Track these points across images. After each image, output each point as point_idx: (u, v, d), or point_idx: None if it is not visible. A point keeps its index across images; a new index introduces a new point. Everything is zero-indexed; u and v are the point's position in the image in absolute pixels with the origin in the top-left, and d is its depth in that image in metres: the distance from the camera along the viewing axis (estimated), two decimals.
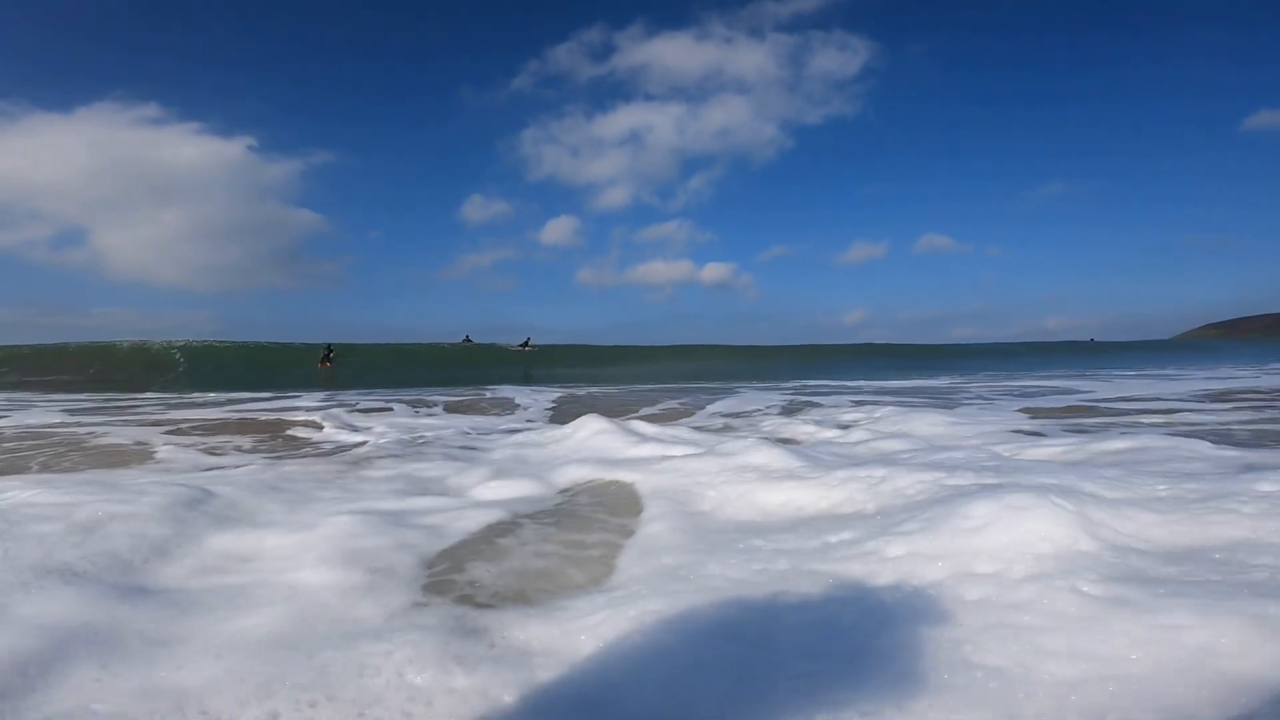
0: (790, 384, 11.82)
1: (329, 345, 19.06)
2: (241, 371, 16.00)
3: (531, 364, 20.24)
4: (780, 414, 6.07)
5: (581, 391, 10.33)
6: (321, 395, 9.88)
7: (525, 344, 23.57)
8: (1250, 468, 2.37)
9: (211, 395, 10.41)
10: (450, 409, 7.38)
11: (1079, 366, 17.00)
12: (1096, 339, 38.73)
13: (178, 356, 17.46)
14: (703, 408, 7.02)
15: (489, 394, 9.87)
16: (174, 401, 9.03)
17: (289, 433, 5.16)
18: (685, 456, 3.00)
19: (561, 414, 6.73)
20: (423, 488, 2.76)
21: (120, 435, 4.88)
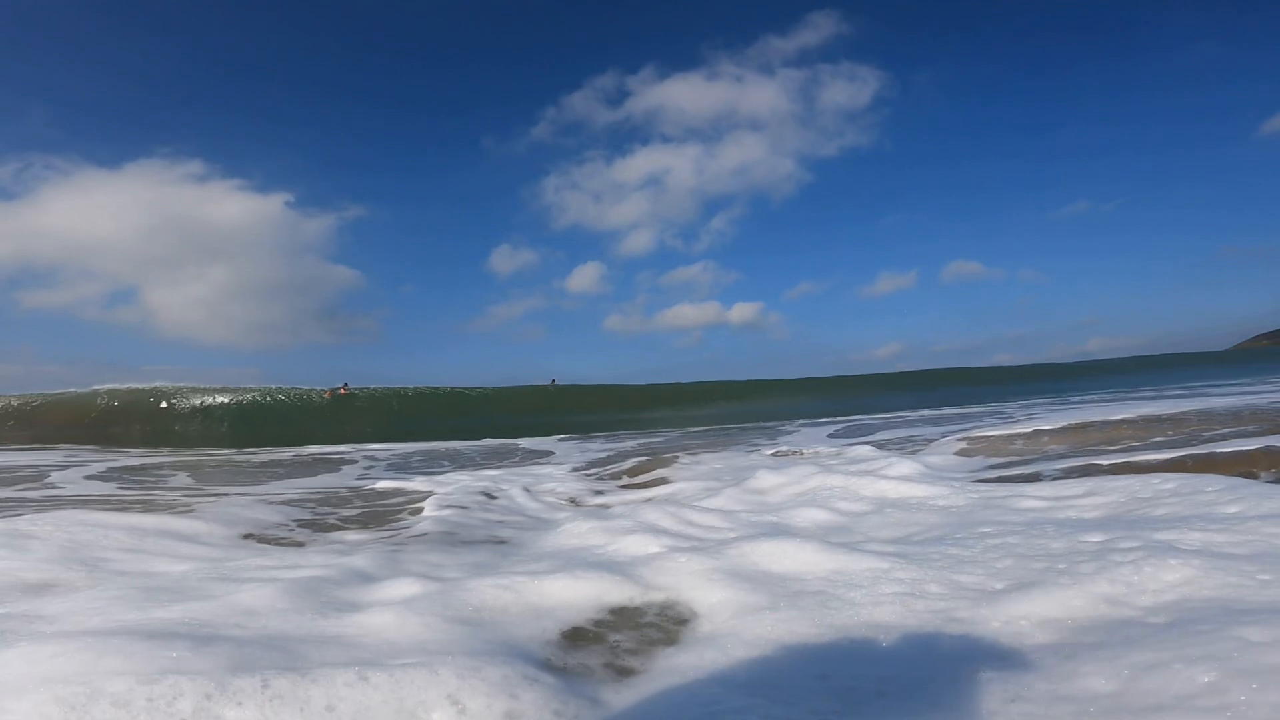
0: (840, 420, 11.64)
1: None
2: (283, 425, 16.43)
3: (559, 406, 20.30)
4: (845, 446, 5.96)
5: (632, 443, 10.32)
6: (371, 450, 10.05)
7: (552, 383, 23.79)
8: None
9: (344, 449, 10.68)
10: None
11: (1120, 387, 16.38)
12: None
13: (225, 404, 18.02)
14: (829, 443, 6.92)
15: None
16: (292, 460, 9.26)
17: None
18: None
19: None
20: None
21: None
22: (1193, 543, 1.94)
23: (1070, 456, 4.13)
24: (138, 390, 18.50)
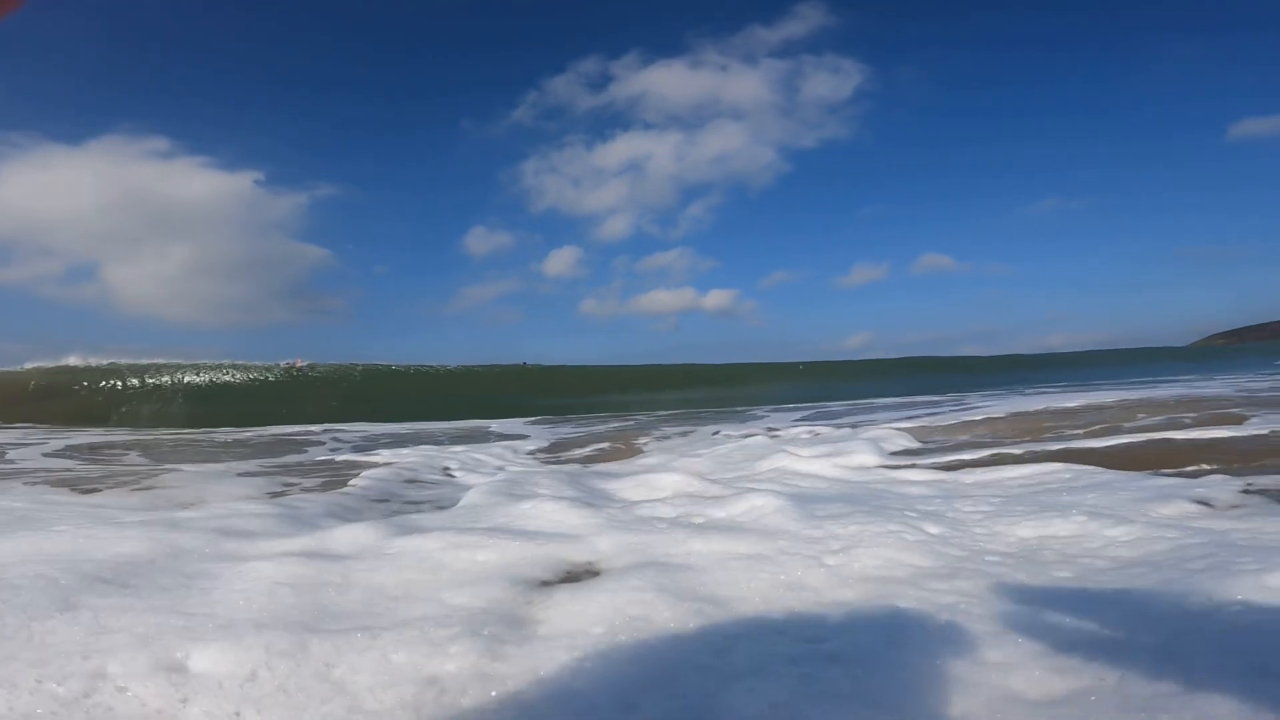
0: (807, 406, 11.84)
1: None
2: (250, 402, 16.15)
3: (532, 387, 20.26)
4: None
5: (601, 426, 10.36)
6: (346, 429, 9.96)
7: (524, 364, 23.68)
8: None
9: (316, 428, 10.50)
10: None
11: (1090, 379, 16.91)
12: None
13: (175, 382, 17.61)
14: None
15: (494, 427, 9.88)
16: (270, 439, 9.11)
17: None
18: None
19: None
20: None
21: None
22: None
23: (987, 445, 4.31)
24: (90, 369, 17.99)
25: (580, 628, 1.43)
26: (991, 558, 1.89)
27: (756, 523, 2.35)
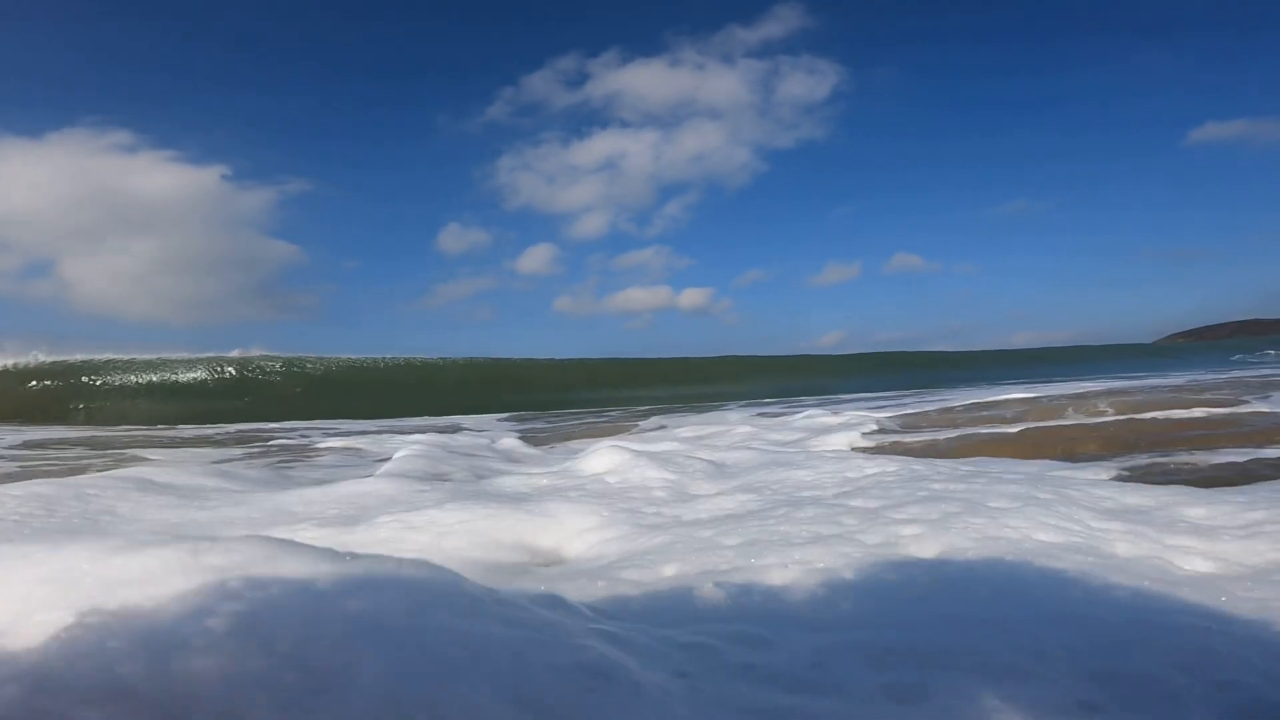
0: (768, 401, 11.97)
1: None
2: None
3: (508, 383, 20.07)
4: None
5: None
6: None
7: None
8: None
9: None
10: None
11: (1031, 376, 17.34)
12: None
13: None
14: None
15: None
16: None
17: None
18: None
19: None
20: None
21: None
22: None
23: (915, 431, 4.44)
24: (47, 366, 17.40)
25: None
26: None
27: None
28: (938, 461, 3.14)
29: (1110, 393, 5.52)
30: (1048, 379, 15.25)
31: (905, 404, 7.62)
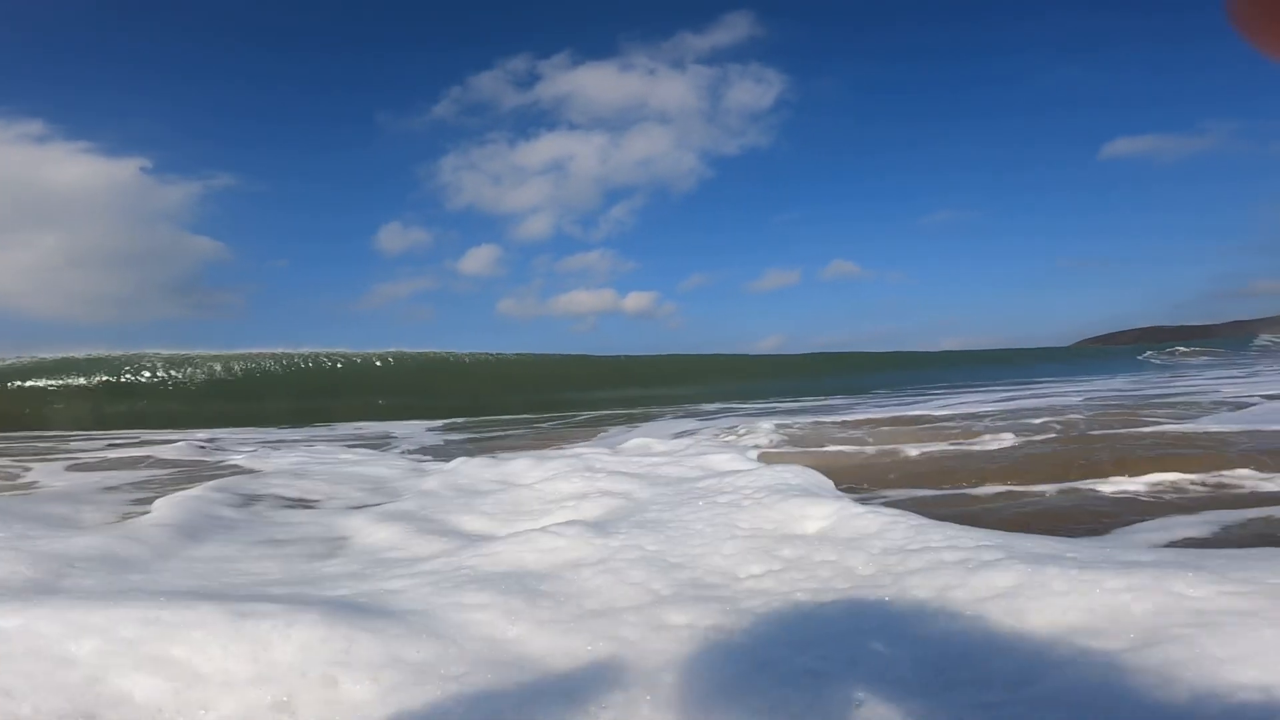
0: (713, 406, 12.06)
1: None
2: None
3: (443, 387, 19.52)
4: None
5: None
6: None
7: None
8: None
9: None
10: None
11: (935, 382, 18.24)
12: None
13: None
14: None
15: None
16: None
17: None
18: None
19: None
20: None
21: None
22: None
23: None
24: None
25: None
26: None
27: None
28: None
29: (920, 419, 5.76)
30: (971, 384, 16.02)
31: (796, 418, 7.80)
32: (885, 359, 28.37)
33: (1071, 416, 5.14)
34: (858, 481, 2.95)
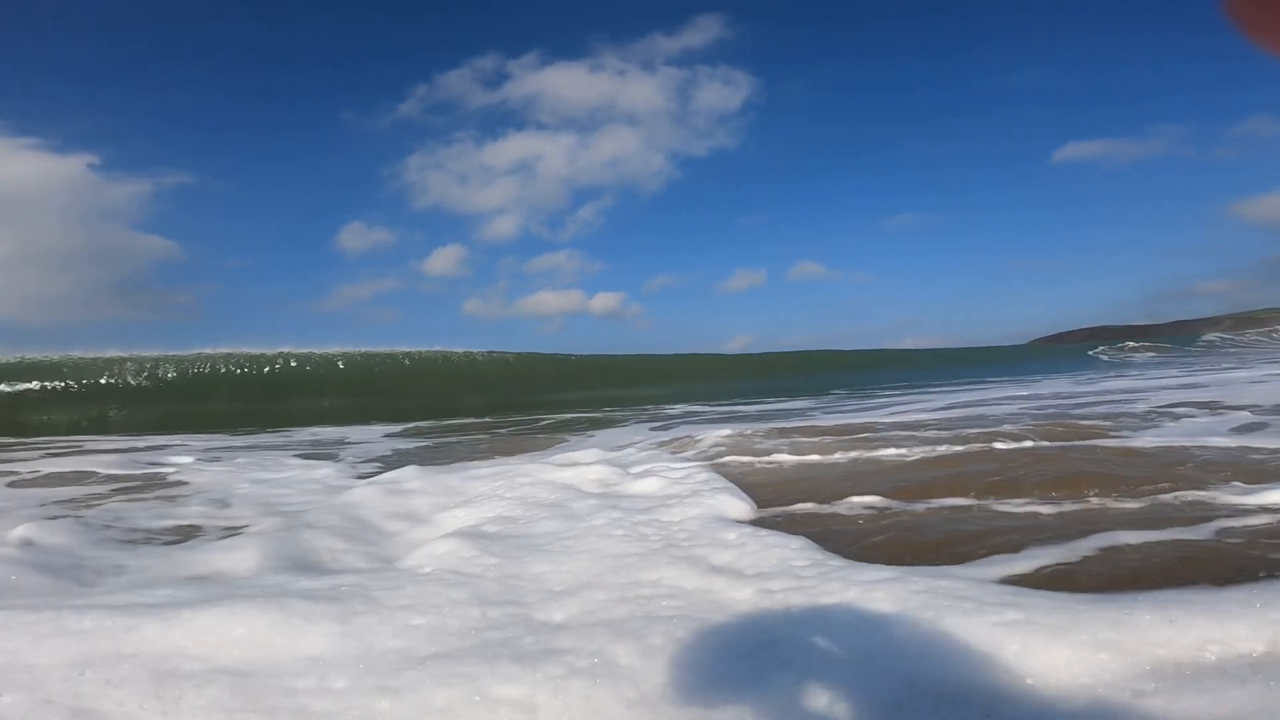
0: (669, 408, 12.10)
1: None
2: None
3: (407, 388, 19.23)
4: None
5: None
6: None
7: None
8: None
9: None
10: None
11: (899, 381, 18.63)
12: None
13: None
14: None
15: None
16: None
17: None
18: None
19: None
20: None
21: None
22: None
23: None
24: None
25: None
26: None
27: None
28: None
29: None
30: (929, 385, 16.36)
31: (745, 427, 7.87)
32: (850, 358, 28.79)
33: (1006, 428, 5.26)
34: (773, 499, 2.98)
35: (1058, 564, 1.84)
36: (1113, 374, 16.05)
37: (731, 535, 2.25)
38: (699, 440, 5.64)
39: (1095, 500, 2.59)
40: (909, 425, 5.67)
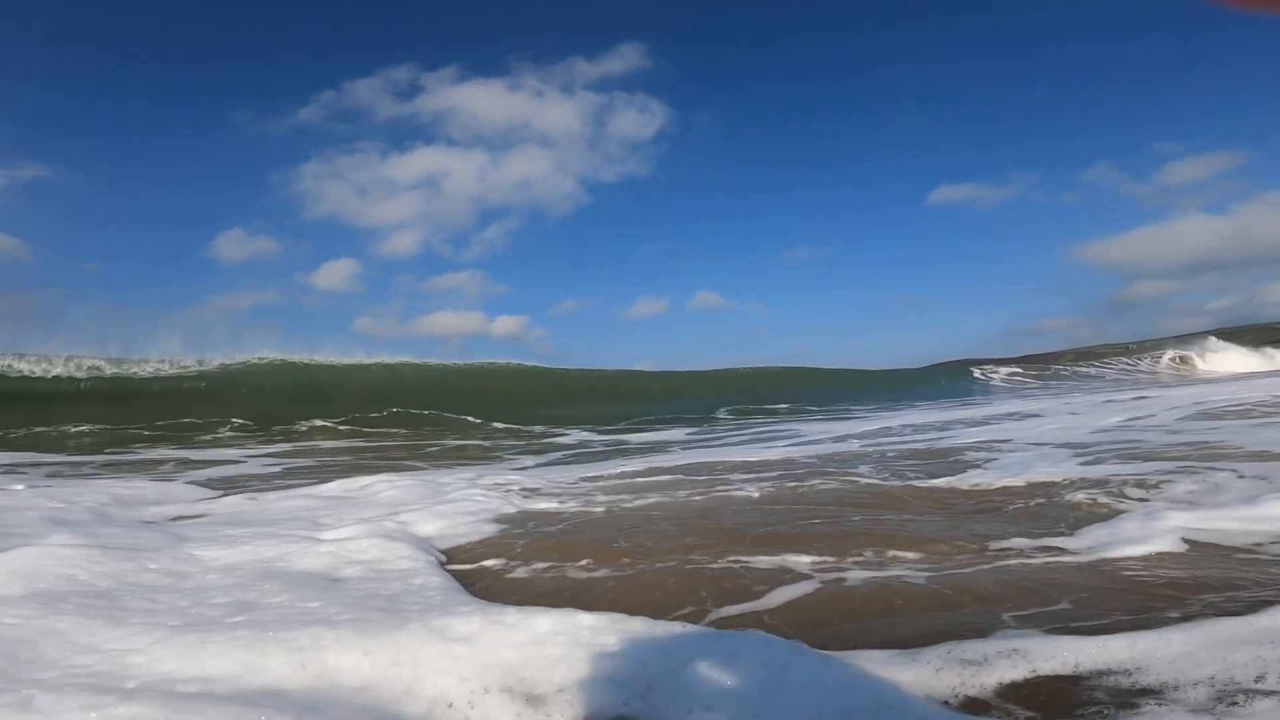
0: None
1: None
2: None
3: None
4: None
5: None
6: None
7: None
8: None
9: None
10: None
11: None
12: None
13: None
14: None
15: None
16: None
17: None
18: None
19: None
20: None
21: None
22: None
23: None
24: None
25: None
26: None
27: None
28: None
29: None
30: (808, 411, 17.22)
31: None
32: (758, 376, 29.85)
33: (812, 480, 5.67)
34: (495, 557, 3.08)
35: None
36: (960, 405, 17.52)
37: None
38: (499, 485, 5.68)
39: None
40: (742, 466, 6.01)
